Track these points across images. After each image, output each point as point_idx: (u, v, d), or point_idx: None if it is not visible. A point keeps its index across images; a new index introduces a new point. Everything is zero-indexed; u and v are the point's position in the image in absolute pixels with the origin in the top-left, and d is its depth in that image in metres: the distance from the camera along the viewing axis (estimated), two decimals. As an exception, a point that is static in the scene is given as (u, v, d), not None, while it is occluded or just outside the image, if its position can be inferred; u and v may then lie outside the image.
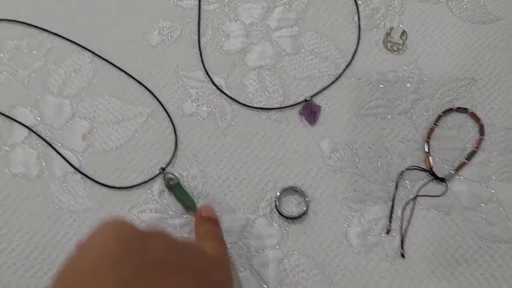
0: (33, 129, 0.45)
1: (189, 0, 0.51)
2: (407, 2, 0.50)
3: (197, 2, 0.50)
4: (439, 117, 0.44)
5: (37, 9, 0.50)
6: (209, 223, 0.38)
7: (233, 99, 0.46)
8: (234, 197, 0.42)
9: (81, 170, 0.43)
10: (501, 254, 0.40)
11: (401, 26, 0.49)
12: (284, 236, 0.41)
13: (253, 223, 0.41)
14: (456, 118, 0.45)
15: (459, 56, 0.47)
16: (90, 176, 0.43)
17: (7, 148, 0.45)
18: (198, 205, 0.42)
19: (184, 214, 0.42)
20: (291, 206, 0.42)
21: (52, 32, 0.49)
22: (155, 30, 0.49)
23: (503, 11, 0.49)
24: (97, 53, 0.48)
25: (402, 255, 0.40)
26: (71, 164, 0.43)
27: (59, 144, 0.44)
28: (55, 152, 0.44)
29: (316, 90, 0.46)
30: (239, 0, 0.51)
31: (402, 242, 0.40)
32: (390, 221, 0.41)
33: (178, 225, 0.41)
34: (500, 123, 0.44)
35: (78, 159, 0.44)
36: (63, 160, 0.44)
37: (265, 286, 0.39)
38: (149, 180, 0.43)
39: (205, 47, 0.49)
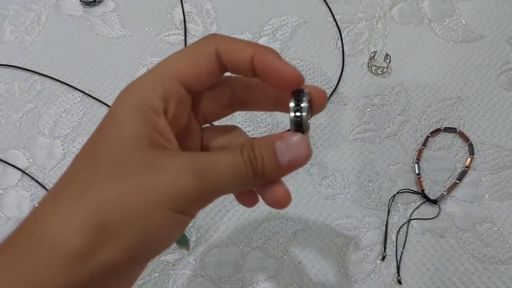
0: (26, 171, 0.45)
1: (175, 36, 0.52)
2: (390, 25, 0.51)
3: (183, 37, 0.51)
4: (427, 138, 0.45)
5: (28, 53, 0.51)
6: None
7: (222, 131, 0.46)
8: (227, 230, 0.42)
9: (74, 210, 0.43)
10: (499, 275, 0.39)
11: (385, 49, 0.50)
12: (279, 268, 0.40)
13: (246, 256, 0.41)
14: (444, 138, 0.45)
15: (444, 76, 0.48)
16: (82, 216, 0.43)
17: (1, 192, 0.45)
18: (191, 239, 0.42)
19: (176, 250, 0.41)
20: None
21: (42, 74, 0.50)
22: (143, 66, 0.50)
23: (485, 29, 0.50)
24: (86, 92, 0.49)
25: (399, 282, 0.39)
26: (63, 205, 0.43)
27: (51, 185, 0.45)
28: (47, 193, 0.44)
29: (304, 117, 0.47)
30: (224, 32, 0.52)
31: (398, 268, 0.40)
32: (385, 247, 0.41)
33: (171, 261, 0.41)
34: (489, 140, 0.45)
35: (71, 199, 0.44)
36: (55, 201, 0.44)
37: (261, 320, 0.39)
38: (142, 217, 0.43)
39: (193, 80, 0.49)
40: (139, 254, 0.21)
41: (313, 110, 0.25)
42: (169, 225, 0.21)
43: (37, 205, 0.22)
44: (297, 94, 0.23)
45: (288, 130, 0.24)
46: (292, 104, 0.23)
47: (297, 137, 0.23)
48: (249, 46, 0.23)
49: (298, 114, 0.23)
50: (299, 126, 0.23)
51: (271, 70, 0.23)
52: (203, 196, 0.22)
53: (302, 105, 0.23)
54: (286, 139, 0.23)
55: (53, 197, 0.21)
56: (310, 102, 0.24)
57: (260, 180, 0.23)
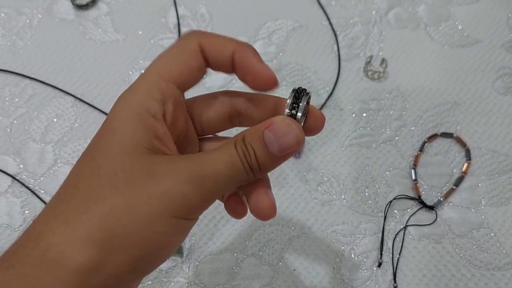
0: (16, 177, 0.44)
1: (169, 40, 0.51)
2: (386, 29, 0.51)
3: (177, 41, 0.51)
4: (424, 144, 0.44)
5: (19, 57, 0.50)
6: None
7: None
8: (221, 237, 0.41)
9: (65, 217, 0.43)
10: (496, 281, 0.39)
11: (381, 54, 0.49)
12: (274, 275, 0.40)
13: (241, 263, 0.40)
14: (441, 143, 0.45)
15: (440, 80, 0.48)
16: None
17: (-10, 198, 0.44)
18: (184, 247, 0.41)
19: (170, 257, 0.41)
20: None
21: (33, 78, 0.49)
22: (136, 70, 0.49)
23: (480, 33, 0.50)
24: (78, 96, 0.48)
25: (395, 288, 0.39)
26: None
27: (42, 191, 0.44)
28: (38, 200, 0.43)
29: (299, 122, 0.46)
30: (219, 36, 0.51)
31: (394, 274, 0.39)
32: (381, 254, 0.40)
33: (165, 268, 0.40)
34: (486, 145, 0.44)
35: (62, 206, 0.43)
36: (46, 207, 0.43)
37: (256, 328, 0.38)
38: (135, 223, 0.42)
39: (187, 84, 0.49)
40: (143, 264, 0.21)
41: (309, 131, 0.24)
42: (173, 231, 0.21)
43: (36, 217, 0.21)
44: (298, 92, 0.22)
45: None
46: (289, 101, 0.22)
47: (284, 124, 0.22)
48: (230, 43, 0.23)
49: (293, 112, 0.22)
50: None
51: (249, 69, 0.23)
52: (204, 199, 0.22)
53: (300, 104, 0.22)
54: (274, 128, 0.22)
55: (54, 210, 0.21)
56: (308, 104, 0.23)
57: (257, 173, 0.23)
